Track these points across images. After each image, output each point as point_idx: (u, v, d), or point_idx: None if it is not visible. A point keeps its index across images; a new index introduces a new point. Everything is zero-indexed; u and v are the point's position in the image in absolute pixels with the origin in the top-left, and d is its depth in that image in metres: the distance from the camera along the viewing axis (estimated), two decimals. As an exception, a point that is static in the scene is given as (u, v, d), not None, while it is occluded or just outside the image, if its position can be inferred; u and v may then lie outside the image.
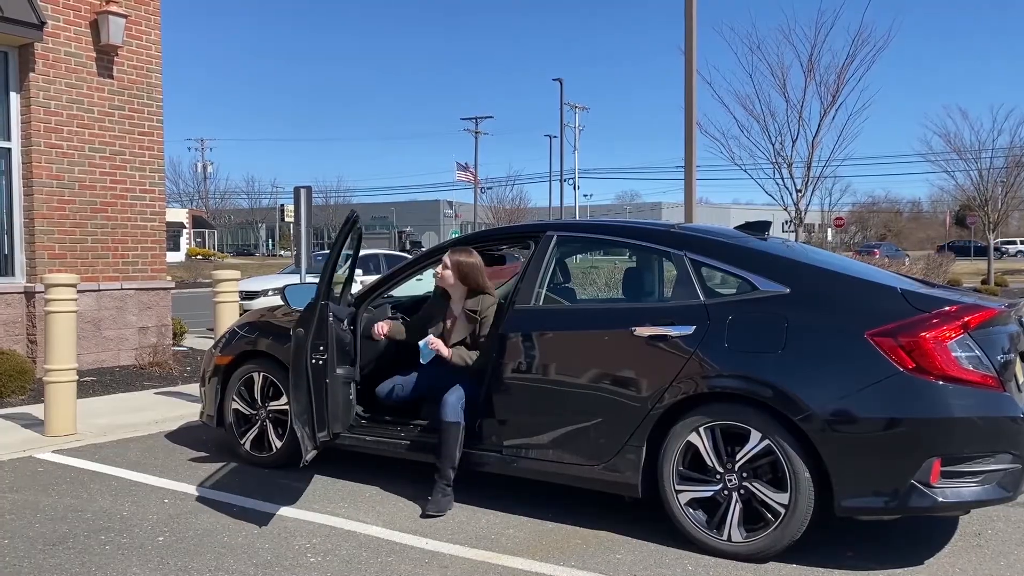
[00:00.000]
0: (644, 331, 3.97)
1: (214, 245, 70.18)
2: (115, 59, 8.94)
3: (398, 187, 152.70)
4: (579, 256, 10.65)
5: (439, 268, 4.74)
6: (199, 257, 50.61)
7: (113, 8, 8.67)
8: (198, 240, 66.64)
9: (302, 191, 10.74)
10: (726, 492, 3.74)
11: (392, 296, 5.37)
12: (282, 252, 69.69)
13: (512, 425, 4.29)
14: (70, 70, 8.57)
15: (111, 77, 8.92)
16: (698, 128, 11.10)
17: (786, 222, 18.60)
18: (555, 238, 4.55)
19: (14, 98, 8.33)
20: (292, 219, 11.25)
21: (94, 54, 8.76)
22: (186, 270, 35.61)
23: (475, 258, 4.71)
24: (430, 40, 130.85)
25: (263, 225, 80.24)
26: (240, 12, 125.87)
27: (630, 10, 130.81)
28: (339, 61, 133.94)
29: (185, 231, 60.35)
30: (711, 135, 17.63)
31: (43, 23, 8.18)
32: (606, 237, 4.79)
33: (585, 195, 69.17)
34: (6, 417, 6.58)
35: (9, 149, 8.35)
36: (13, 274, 8.43)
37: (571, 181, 51.53)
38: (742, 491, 3.71)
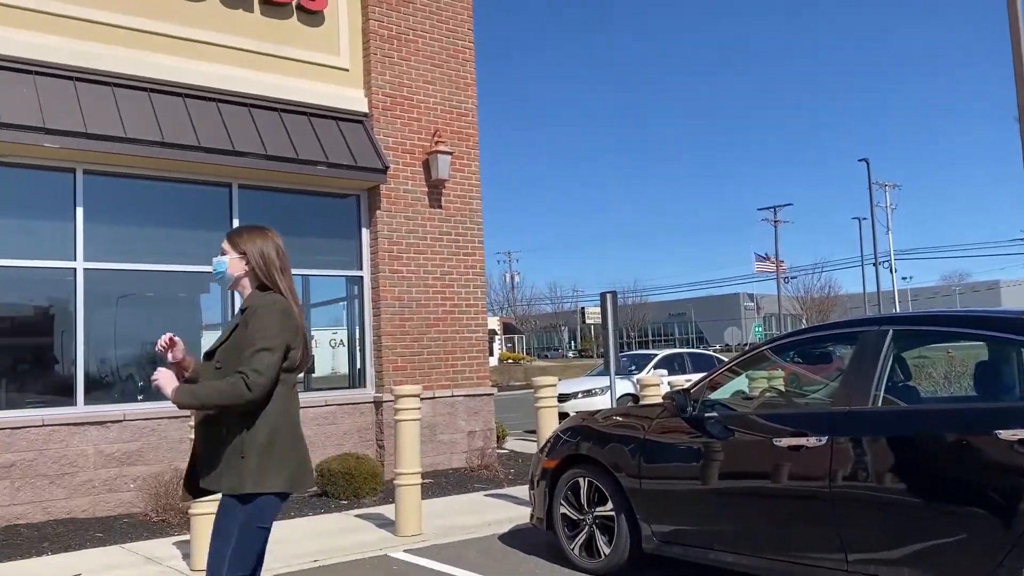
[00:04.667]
0: (1012, 434, 3.52)
1: (522, 349, 74.25)
2: (443, 191, 10.06)
3: (693, 283, 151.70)
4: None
5: (224, 257, 3.18)
6: (510, 361, 53.74)
7: (441, 148, 9.83)
8: (508, 345, 70.97)
9: (608, 296, 11.08)
10: None
11: (711, 399, 5.26)
12: (586, 352, 71.74)
13: (857, 539, 3.95)
14: (407, 204, 9.79)
15: (440, 207, 10.04)
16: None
17: None
18: (890, 332, 4.24)
19: (364, 233, 9.67)
20: (593, 320, 11.65)
21: (426, 188, 9.94)
22: (499, 374, 37.93)
23: (269, 238, 3.19)
24: (718, 134, 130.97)
25: (565, 328, 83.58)
26: (535, 155, 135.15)
27: (935, 83, 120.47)
28: (626, 166, 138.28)
29: (497, 337, 64.59)
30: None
31: (387, 167, 9.48)
32: (953, 329, 4.36)
33: (904, 278, 63.81)
34: (363, 517, 7.36)
35: (361, 276, 9.66)
36: (365, 386, 9.57)
37: (886, 264, 47.78)
38: None
